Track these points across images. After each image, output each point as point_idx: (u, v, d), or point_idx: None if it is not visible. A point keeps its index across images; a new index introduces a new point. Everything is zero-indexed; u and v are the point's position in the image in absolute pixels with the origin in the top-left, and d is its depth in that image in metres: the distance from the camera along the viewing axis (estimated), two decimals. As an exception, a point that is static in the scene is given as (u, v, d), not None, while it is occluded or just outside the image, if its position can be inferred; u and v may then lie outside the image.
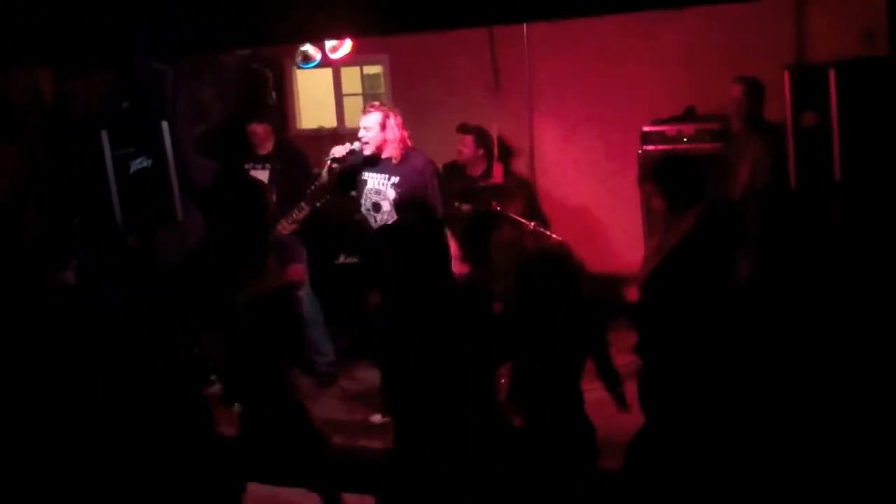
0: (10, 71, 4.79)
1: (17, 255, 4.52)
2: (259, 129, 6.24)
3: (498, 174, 6.61)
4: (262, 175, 6.20)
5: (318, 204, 5.68)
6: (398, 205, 5.47)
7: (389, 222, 5.48)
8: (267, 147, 6.28)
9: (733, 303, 4.11)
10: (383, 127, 5.43)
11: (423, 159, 5.54)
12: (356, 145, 5.50)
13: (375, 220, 5.53)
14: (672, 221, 4.38)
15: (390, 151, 5.46)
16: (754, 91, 5.46)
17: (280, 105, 7.62)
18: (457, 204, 6.17)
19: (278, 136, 6.44)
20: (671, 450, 3.53)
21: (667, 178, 4.37)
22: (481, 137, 6.64)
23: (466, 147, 6.62)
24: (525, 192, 6.76)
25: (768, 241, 5.26)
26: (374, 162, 5.54)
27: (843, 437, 3.42)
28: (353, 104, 7.82)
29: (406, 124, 5.57)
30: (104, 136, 4.79)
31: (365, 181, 5.56)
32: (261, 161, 6.25)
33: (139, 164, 5.00)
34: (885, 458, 3.29)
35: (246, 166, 6.26)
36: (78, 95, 5.20)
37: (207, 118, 6.74)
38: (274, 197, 6.05)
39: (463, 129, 6.67)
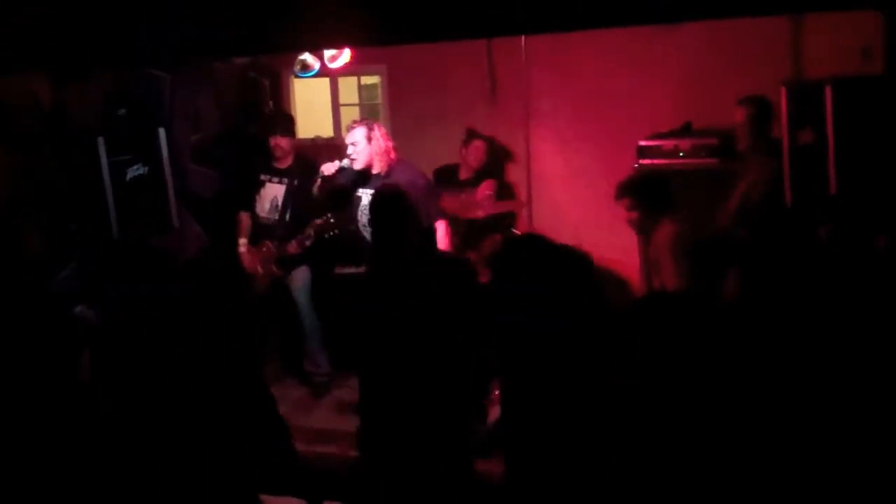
0: (7, 77, 4.77)
1: (14, 262, 4.50)
2: (283, 142, 6.15)
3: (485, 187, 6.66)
4: (279, 189, 6.16)
5: (326, 236, 5.72)
6: None
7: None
8: (287, 161, 6.21)
9: (720, 321, 4.13)
10: (369, 140, 5.49)
11: (415, 172, 5.55)
12: (345, 162, 5.54)
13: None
14: (648, 230, 4.85)
15: (378, 165, 5.51)
16: (761, 111, 5.43)
17: (277, 114, 7.62)
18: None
19: (298, 152, 6.36)
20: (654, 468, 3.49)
21: (638, 190, 4.91)
22: (490, 145, 6.72)
23: (478, 150, 6.66)
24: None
25: (757, 259, 5.26)
26: (367, 178, 5.57)
27: (831, 454, 3.41)
28: (350, 114, 7.82)
29: (398, 135, 5.65)
30: (101, 142, 4.78)
31: (360, 198, 5.60)
32: (278, 174, 6.20)
33: (135, 171, 5.00)
34: (873, 478, 3.28)
35: (262, 178, 6.23)
36: (75, 102, 5.19)
37: (204, 126, 6.73)
38: (287, 214, 6.06)
39: (475, 134, 6.69)
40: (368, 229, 5.52)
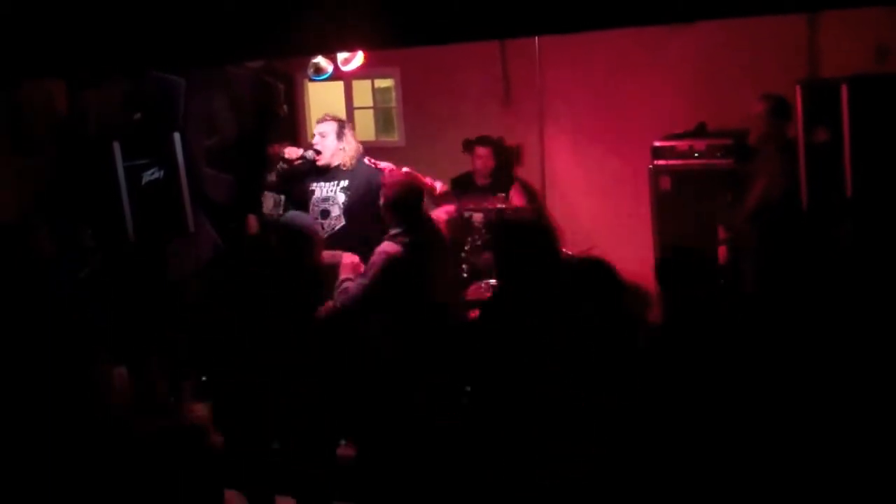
0: (23, 82, 4.80)
1: (29, 266, 4.53)
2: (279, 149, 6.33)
3: (516, 196, 6.62)
4: None
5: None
6: (347, 209, 5.52)
7: (337, 227, 5.54)
8: None
9: (739, 316, 4.11)
10: (339, 136, 5.58)
11: (375, 173, 5.55)
12: (309, 153, 5.63)
13: (323, 227, 5.50)
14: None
15: (343, 159, 5.58)
16: (778, 109, 5.42)
17: (291, 117, 7.65)
18: (467, 214, 6.20)
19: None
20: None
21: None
22: (498, 149, 6.68)
23: (480, 158, 6.63)
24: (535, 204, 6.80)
25: (774, 256, 5.23)
26: (324, 172, 5.63)
27: (844, 451, 3.39)
28: (364, 117, 7.84)
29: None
30: (116, 147, 4.80)
31: (312, 191, 5.65)
32: None
33: (151, 175, 5.02)
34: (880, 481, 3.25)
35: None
36: (90, 107, 5.21)
37: (219, 130, 6.75)
38: (291, 209, 6.11)
39: (480, 141, 6.68)
40: (321, 221, 5.51)
